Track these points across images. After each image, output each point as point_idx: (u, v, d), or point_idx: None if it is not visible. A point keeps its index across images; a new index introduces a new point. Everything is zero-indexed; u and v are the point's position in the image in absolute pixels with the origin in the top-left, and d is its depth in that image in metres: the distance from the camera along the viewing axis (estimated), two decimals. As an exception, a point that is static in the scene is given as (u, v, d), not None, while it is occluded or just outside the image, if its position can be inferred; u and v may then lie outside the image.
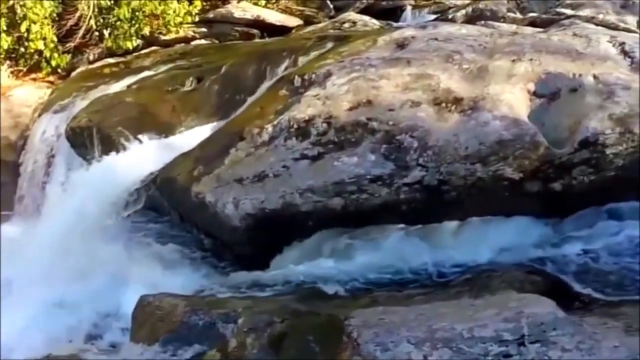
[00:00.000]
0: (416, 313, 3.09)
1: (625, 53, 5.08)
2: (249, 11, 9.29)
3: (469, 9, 8.57)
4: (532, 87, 4.56)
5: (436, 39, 5.18)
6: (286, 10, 10.00)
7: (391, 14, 9.73)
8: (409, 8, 9.84)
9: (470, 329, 2.75)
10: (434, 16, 8.97)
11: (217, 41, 8.79)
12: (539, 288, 3.56)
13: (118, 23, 8.09)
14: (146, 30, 8.32)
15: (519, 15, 8.19)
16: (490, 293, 3.39)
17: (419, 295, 3.63)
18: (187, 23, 8.79)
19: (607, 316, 3.15)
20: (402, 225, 4.29)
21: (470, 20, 7.76)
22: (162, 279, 4.45)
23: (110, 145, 5.55)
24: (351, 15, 8.55)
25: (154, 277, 4.49)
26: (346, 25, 7.89)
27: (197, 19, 9.00)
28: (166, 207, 5.06)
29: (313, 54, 5.86)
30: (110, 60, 7.98)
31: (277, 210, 4.21)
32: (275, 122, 4.60)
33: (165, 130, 5.66)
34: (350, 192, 4.10)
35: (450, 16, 8.48)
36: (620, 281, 3.80)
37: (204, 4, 9.31)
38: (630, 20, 8.37)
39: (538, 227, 4.33)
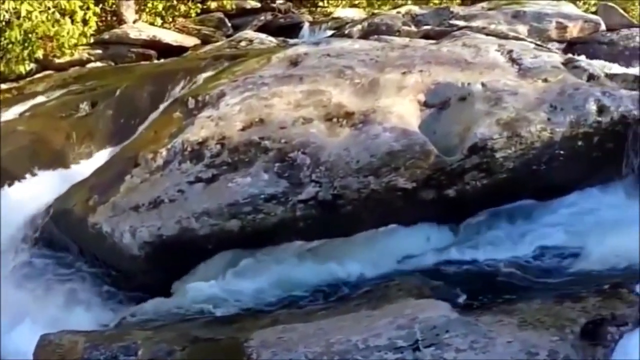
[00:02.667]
0: (315, 328, 3.11)
1: (513, 60, 5.28)
2: (145, 31, 9.22)
3: (365, 23, 8.74)
4: (422, 97, 4.66)
5: (329, 55, 5.25)
6: (183, 30, 10.00)
7: (289, 31, 9.83)
8: (306, 24, 9.99)
9: (365, 339, 2.80)
10: (331, 32, 9.08)
11: (112, 63, 8.69)
12: (438, 293, 3.59)
13: (10, 46, 7.81)
14: (39, 54, 8.10)
15: (413, 29, 8.40)
16: (388, 302, 3.40)
17: (320, 311, 3.59)
18: (82, 45, 8.63)
19: (503, 313, 3.22)
20: (302, 242, 4.26)
21: (366, 34, 7.91)
22: (65, 315, 4.29)
23: (2, 178, 5.34)
24: (248, 33, 8.59)
25: (56, 314, 4.32)
26: (243, 43, 7.92)
27: (92, 40, 8.85)
28: (64, 240, 4.90)
29: (208, 75, 5.84)
30: (3, 86, 7.72)
31: (174, 236, 4.15)
32: (169, 146, 4.55)
33: (59, 159, 5.52)
34: (246, 213, 4.08)
35: (347, 31, 8.60)
36: (517, 278, 3.86)
37: (100, 24, 9.15)
38: (521, 29, 8.73)
39: (437, 234, 4.38)
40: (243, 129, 4.45)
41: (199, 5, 11.08)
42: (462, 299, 3.57)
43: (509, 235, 4.32)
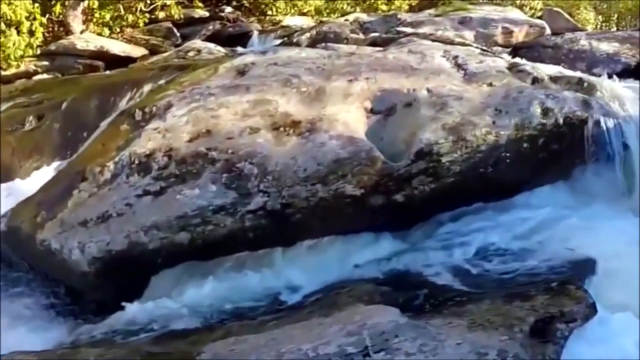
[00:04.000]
0: (266, 339, 3.12)
1: (458, 66, 5.37)
2: (92, 42, 9.12)
3: (314, 31, 8.77)
4: (368, 104, 4.69)
5: (276, 64, 5.26)
6: (131, 40, 9.92)
7: (239, 40, 9.81)
8: (255, 33, 9.98)
9: (315, 347, 2.82)
10: (280, 40, 9.09)
11: (59, 75, 8.54)
12: (388, 298, 3.61)
13: (-46, 58, 7.68)
14: (-16, 66, 7.93)
15: (361, 36, 8.46)
16: (338, 309, 3.40)
17: (272, 321, 3.57)
18: (29, 56, 8.48)
19: (453, 315, 3.27)
20: (252, 253, 4.25)
21: (314, 42, 7.94)
22: (16, 335, 4.21)
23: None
24: (196, 43, 8.54)
25: (6, 335, 4.23)
26: (191, 53, 7.87)
27: (38, 51, 8.71)
28: (13, 258, 4.81)
29: (155, 85, 5.79)
30: (-52, 100, 7.54)
31: (123, 250, 4.07)
32: (116, 159, 4.47)
33: (6, 174, 5.42)
34: (195, 225, 4.04)
35: (295, 40, 8.63)
36: (467, 280, 3.92)
37: (46, 35, 9.02)
38: (468, 35, 8.86)
39: (388, 239, 4.41)
40: (190, 140, 4.40)
41: (146, 15, 11.00)
42: (412, 304, 3.60)
43: (459, 238, 4.37)
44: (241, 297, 4.05)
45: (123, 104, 5.67)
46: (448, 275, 3.99)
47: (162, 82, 5.80)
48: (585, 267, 3.82)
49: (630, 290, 3.59)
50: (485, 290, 3.70)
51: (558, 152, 4.65)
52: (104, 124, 5.44)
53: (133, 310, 4.16)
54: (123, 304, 4.20)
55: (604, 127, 4.66)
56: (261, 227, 4.10)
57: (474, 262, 4.13)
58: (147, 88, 5.82)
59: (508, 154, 4.49)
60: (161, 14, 11.17)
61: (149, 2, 11.01)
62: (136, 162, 4.39)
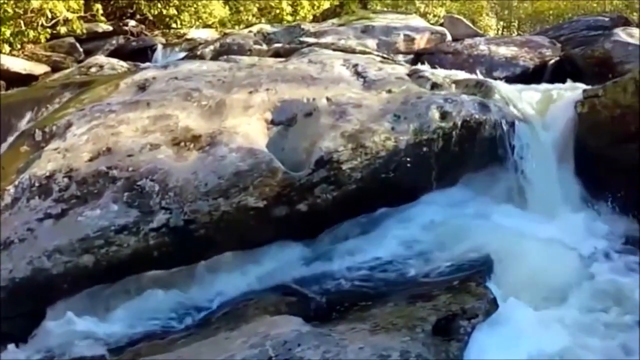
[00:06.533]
0: (175, 358, 3.11)
1: (358, 74, 5.46)
2: (-8, 60, 8.79)
3: (217, 44, 8.75)
4: (269, 115, 4.72)
5: (176, 78, 5.22)
6: (33, 57, 9.62)
7: (143, 54, 9.67)
8: (159, 47, 9.88)
9: (220, 362, 2.80)
10: (184, 53, 9.03)
11: (-45, 95, 8.19)
12: (294, 308, 3.66)
13: None
14: None
15: (264, 47, 8.48)
16: (245, 322, 3.43)
17: (181, 339, 3.55)
18: None
19: (357, 320, 3.35)
20: (160, 272, 4.18)
21: (218, 54, 7.91)
22: None
23: None
24: (98, 58, 8.35)
25: None
26: (93, 69, 7.69)
27: None
28: None
29: (56, 104, 5.65)
30: None
31: (27, 277, 3.91)
32: (16, 182, 4.33)
33: None
34: (99, 247, 3.94)
35: (199, 52, 8.59)
36: (372, 285, 4.00)
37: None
38: (370, 43, 9.03)
39: (294, 249, 4.44)
40: (91, 160, 4.33)
41: (48, 30, 10.70)
42: (318, 312, 3.66)
43: (365, 244, 4.46)
44: (150, 318, 3.98)
45: (23, 125, 5.49)
46: (353, 281, 4.06)
47: (63, 100, 5.65)
48: (485, 265, 3.95)
49: (528, 283, 3.76)
50: (390, 293, 3.79)
51: (457, 154, 4.77)
52: (4, 146, 5.27)
53: (40, 338, 4.04)
54: (31, 333, 4.08)
55: (502, 129, 4.81)
56: (165, 244, 4.04)
57: (379, 266, 4.21)
58: (48, 107, 5.66)
59: (408, 159, 4.57)
60: (63, 29, 10.86)
61: (50, 16, 10.73)
62: (36, 184, 4.27)
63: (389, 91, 5.12)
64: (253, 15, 13.93)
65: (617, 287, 3.82)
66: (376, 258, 4.29)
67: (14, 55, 9.54)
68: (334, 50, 6.87)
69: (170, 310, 4.02)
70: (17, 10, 9.69)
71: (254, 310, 3.65)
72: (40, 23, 10.37)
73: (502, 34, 19.10)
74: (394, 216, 4.66)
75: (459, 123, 4.77)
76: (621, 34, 7.78)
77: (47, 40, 10.57)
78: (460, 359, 3.04)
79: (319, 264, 4.31)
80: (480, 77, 6.38)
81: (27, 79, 8.69)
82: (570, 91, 5.34)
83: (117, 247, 3.96)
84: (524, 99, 5.26)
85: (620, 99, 4.45)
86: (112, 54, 9.72)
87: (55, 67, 9.28)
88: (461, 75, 6.37)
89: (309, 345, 2.87)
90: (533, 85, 5.94)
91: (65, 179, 4.24)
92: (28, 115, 5.68)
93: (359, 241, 4.49)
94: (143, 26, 12.24)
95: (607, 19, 9.90)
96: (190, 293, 4.15)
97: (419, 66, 6.65)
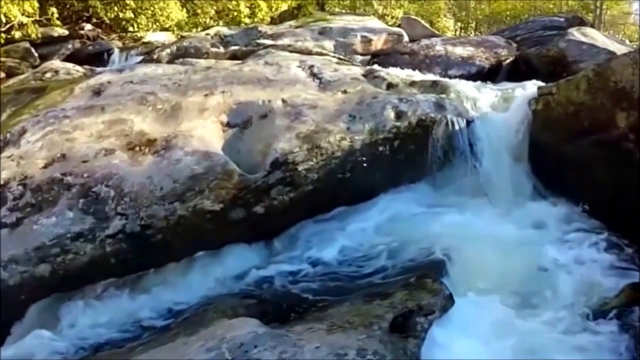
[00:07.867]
0: (135, 365, 3.08)
1: (314, 75, 5.48)
2: (-56, 67, 8.65)
3: (174, 47, 8.70)
4: (224, 118, 4.72)
5: (132, 82, 5.18)
6: (-14, 64, 9.48)
7: (100, 58, 9.59)
8: (116, 51, 9.79)
9: (177, 368, 2.79)
10: (141, 57, 8.97)
11: None
12: (252, 310, 3.65)
13: None
14: None
15: (221, 50, 8.47)
16: (203, 326, 3.40)
17: (140, 347, 3.52)
18: None
19: (315, 320, 3.36)
20: (118, 279, 4.14)
21: (175, 57, 7.89)
22: None
23: None
24: (53, 63, 8.22)
25: None
26: (48, 75, 7.57)
27: None
28: None
29: (10, 111, 5.57)
30: None
31: (-16, 290, 3.81)
32: (-29, 192, 4.26)
33: None
34: (55, 255, 3.88)
35: (156, 56, 8.54)
36: (330, 285, 4.01)
37: None
38: (328, 45, 9.07)
39: (252, 251, 4.45)
40: (45, 167, 4.27)
41: (2, 35, 10.56)
42: (276, 313, 3.65)
43: (322, 244, 4.47)
44: (109, 327, 3.93)
45: (-24, 133, 5.39)
46: (311, 282, 4.07)
47: (17, 106, 5.57)
48: (441, 261, 3.98)
49: (483, 277, 3.80)
50: (347, 292, 3.80)
51: (414, 153, 4.82)
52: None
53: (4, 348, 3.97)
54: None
55: (457, 127, 4.88)
56: (122, 251, 4.00)
57: (336, 266, 4.23)
58: (1, 114, 5.58)
59: (364, 158, 4.62)
60: (18, 34, 10.74)
61: (4, 21, 10.57)
62: (-10, 193, 4.19)
63: (345, 92, 5.16)
64: (211, 18, 13.88)
65: (572, 278, 3.87)
66: (333, 258, 4.32)
67: (-33, 62, 9.38)
68: (291, 52, 6.90)
69: (130, 318, 3.98)
70: (-30, 15, 9.55)
71: (213, 314, 3.63)
72: (-6, 28, 10.25)
73: (459, 34, 19.30)
74: (351, 215, 4.69)
75: (415, 122, 4.82)
76: (576, 33, 7.90)
77: (1, 45, 10.43)
78: (418, 355, 3.05)
79: (276, 266, 4.30)
80: (435, 76, 6.44)
81: (-20, 86, 8.53)
82: (526, 89, 5.43)
83: (73, 255, 3.91)
84: (481, 97, 5.33)
85: (574, 97, 4.54)
86: (68, 58, 9.61)
87: (10, 73, 9.15)
88: (417, 75, 6.45)
89: (265, 347, 2.87)
90: (490, 84, 6.03)
91: (20, 187, 4.18)
92: (-19, 124, 5.57)
93: (316, 241, 4.50)
94: (99, 30, 12.13)
95: (562, 19, 10.05)
96: (150, 300, 4.10)
97: (375, 67, 6.68)
